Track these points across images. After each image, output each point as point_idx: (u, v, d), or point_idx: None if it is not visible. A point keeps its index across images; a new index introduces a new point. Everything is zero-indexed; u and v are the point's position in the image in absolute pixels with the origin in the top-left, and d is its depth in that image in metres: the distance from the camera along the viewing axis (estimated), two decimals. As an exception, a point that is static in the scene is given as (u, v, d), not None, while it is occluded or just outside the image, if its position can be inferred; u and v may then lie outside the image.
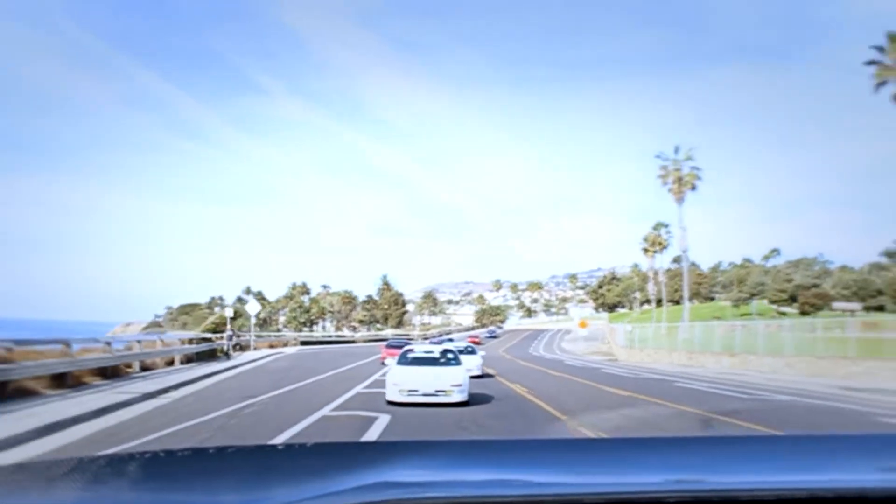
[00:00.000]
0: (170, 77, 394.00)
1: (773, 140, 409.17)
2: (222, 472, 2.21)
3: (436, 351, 26.16)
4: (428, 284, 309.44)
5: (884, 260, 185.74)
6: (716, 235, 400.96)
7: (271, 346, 74.62)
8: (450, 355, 25.24)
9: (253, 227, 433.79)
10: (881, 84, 47.17)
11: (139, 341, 33.98)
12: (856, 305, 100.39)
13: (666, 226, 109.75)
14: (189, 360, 40.59)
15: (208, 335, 55.43)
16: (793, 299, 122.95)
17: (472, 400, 22.22)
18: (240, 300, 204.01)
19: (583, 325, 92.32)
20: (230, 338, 51.72)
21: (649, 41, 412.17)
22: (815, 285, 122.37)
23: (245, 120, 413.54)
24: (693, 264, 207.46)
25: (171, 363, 37.06)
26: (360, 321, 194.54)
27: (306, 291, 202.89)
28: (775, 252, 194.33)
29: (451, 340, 72.99)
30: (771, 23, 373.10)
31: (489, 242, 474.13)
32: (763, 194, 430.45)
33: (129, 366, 29.97)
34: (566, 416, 19.19)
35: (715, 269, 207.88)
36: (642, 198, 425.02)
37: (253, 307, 65.08)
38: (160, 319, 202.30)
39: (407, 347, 27.67)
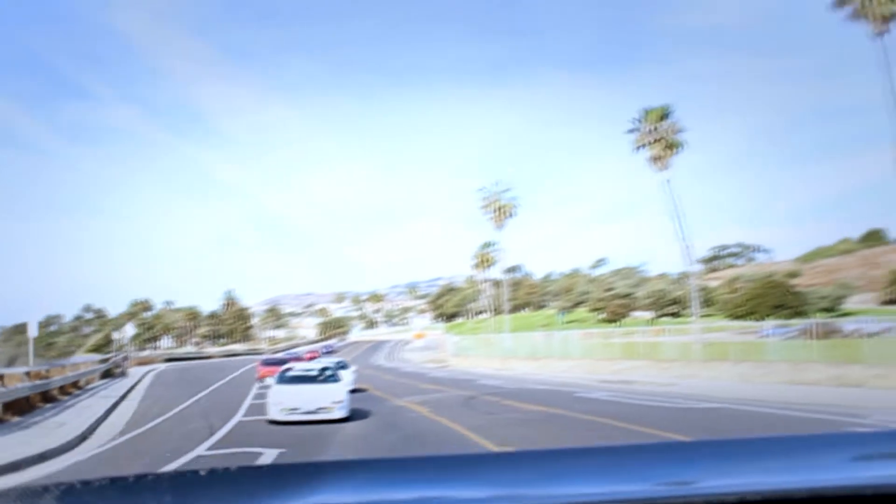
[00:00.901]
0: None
1: (610, 146, 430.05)
2: (142, 501, 2.16)
3: (315, 369, 27.89)
4: (271, 296, 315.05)
5: (696, 268, 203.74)
6: (555, 243, 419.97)
7: (141, 364, 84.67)
8: (328, 372, 26.70)
9: (88, 241, 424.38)
10: (639, 147, 62.14)
11: (79, 364, 45.82)
12: (650, 314, 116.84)
13: (493, 244, 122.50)
14: (102, 376, 52.18)
15: (107, 356, 65.84)
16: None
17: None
18: (78, 318, 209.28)
19: (418, 336, 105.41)
20: (125, 358, 63.14)
21: (482, 50, 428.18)
22: (629, 294, 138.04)
23: (72, 128, 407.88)
24: (526, 274, 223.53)
25: (91, 380, 48.75)
26: (205, 336, 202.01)
27: (148, 308, 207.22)
28: (601, 261, 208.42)
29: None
30: (600, 31, 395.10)
31: (331, 253, 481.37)
32: (601, 201, 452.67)
33: (78, 381, 41.73)
34: (392, 398, 32.78)
35: (546, 278, 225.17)
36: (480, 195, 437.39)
37: (130, 330, 76.10)
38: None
39: (286, 366, 29.41)
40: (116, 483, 2.52)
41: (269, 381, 28.03)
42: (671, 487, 1.99)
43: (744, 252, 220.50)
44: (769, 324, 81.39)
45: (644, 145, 61.37)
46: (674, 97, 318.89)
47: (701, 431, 18.29)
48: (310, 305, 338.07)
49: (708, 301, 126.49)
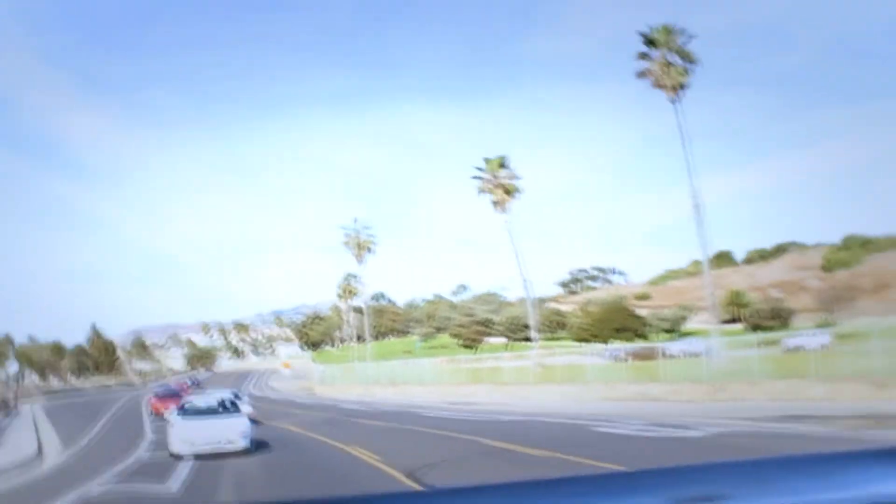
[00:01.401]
0: None
1: (467, 175, 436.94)
2: None
3: (215, 401, 27.99)
4: (133, 327, 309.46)
5: (554, 291, 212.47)
6: (419, 269, 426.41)
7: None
8: (229, 405, 27.30)
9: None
10: (482, 192, 70.95)
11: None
12: (502, 340, 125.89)
13: (355, 276, 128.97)
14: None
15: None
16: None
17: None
18: None
19: (286, 365, 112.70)
20: (15, 393, 68.62)
21: (343, 80, 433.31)
22: (488, 320, 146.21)
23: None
24: (390, 302, 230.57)
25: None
26: (71, 371, 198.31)
27: (9, 342, 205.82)
28: (463, 287, 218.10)
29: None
30: (454, 60, 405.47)
31: (194, 282, 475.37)
32: (463, 226, 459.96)
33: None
34: (267, 421, 40.18)
35: (410, 305, 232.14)
36: (344, 233, 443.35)
37: (14, 367, 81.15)
38: None
39: (186, 399, 30.40)
40: None
41: (168, 414, 28.17)
42: None
43: (600, 275, 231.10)
44: (609, 347, 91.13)
45: (485, 191, 70.30)
46: (530, 125, 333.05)
47: (500, 436, 25.81)
48: (173, 335, 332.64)
49: (560, 325, 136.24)
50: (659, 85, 54.36)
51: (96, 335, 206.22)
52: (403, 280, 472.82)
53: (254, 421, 35.82)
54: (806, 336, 69.74)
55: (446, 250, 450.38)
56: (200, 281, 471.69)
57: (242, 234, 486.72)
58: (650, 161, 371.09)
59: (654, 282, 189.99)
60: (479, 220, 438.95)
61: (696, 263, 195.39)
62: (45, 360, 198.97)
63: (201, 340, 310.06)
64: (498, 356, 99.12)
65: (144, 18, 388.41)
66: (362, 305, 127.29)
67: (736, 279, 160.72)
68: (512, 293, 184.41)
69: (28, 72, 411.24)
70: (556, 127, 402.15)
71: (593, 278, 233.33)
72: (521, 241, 73.60)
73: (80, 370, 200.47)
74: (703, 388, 40.81)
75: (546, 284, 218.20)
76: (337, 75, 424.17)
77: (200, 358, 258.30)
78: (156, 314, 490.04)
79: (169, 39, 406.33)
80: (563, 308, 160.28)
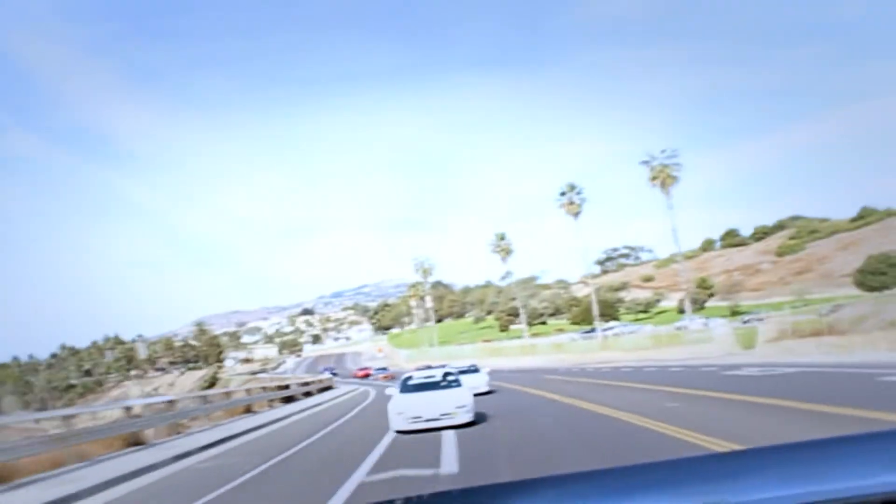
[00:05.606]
0: None
1: (518, 147, 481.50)
2: None
3: (437, 375, 29.34)
4: (197, 317, 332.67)
5: (594, 269, 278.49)
6: (469, 252, 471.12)
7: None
8: (450, 378, 28.48)
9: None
10: (493, 252, 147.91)
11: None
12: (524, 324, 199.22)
13: (421, 282, 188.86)
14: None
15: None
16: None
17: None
18: (55, 356, 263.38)
19: (380, 350, 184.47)
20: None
21: (389, 56, 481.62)
22: (515, 309, 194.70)
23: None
24: (447, 286, 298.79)
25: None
26: (172, 363, 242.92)
27: (121, 342, 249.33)
28: (509, 273, 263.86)
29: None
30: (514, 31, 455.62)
31: (252, 268, 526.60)
32: (505, 206, 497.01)
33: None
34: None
35: (465, 289, 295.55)
36: (399, 210, 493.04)
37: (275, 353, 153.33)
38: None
39: (406, 375, 31.21)
40: None
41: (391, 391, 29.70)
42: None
43: (631, 253, 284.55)
44: (580, 330, 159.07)
45: (496, 252, 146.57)
46: (580, 90, 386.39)
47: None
48: (242, 324, 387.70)
49: (573, 308, 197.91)
50: (567, 212, 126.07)
51: (201, 330, 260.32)
52: (462, 262, 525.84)
53: (491, 391, 43.99)
54: (688, 320, 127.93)
55: (498, 229, 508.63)
56: (259, 266, 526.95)
57: (298, 216, 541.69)
58: (700, 121, 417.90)
59: (659, 265, 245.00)
60: (525, 202, 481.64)
61: (708, 241, 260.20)
62: (160, 354, 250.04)
63: (270, 328, 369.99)
64: (508, 338, 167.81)
65: (185, 4, 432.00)
66: (426, 297, 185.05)
67: (718, 262, 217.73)
68: (550, 276, 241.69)
69: (72, 64, 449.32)
70: (609, 92, 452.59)
71: (625, 255, 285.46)
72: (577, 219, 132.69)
73: (186, 362, 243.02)
74: (574, 355, 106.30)
75: (587, 263, 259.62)
76: (386, 51, 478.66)
77: (291, 345, 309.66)
78: (219, 302, 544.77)
79: (212, 24, 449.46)
80: (584, 292, 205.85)
